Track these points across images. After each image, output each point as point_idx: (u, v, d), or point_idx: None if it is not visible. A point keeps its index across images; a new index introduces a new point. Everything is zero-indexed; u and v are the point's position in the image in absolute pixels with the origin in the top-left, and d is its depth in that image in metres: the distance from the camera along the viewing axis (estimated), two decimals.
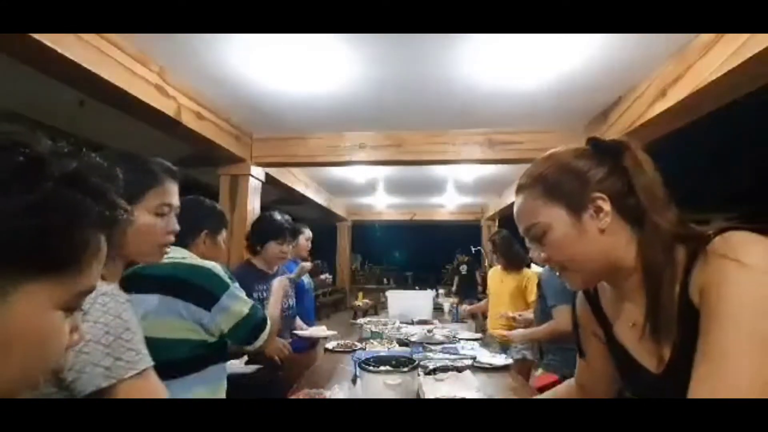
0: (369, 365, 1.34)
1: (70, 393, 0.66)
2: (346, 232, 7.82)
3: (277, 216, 2.17)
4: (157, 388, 0.76)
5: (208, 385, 1.19)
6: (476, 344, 2.56)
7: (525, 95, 2.39)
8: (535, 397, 1.09)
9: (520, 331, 2.48)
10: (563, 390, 1.00)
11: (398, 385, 1.27)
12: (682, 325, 0.60)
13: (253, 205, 3.24)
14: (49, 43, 1.45)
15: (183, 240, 1.18)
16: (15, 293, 0.36)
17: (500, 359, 2.21)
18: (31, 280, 0.37)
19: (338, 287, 8.25)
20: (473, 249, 7.05)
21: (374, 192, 5.70)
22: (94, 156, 0.43)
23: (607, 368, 0.85)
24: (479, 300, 5.22)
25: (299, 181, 4.40)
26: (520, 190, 0.75)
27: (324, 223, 6.69)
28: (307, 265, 2.73)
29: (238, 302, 1.25)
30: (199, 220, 1.41)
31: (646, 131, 2.21)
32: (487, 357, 2.25)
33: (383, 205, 6.91)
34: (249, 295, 1.93)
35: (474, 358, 2.17)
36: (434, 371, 1.91)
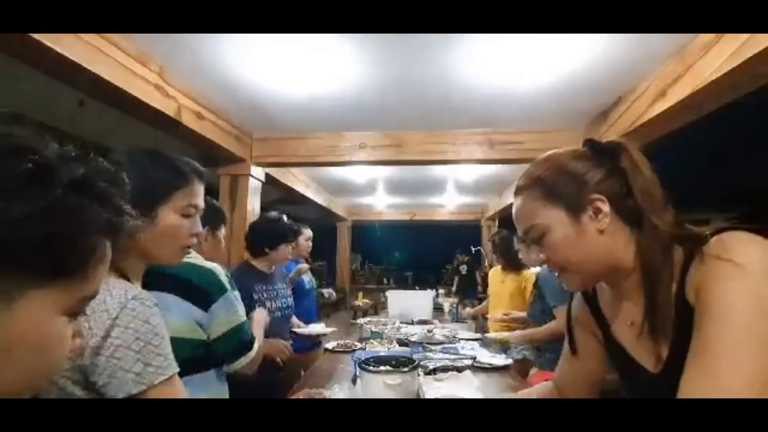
0: (369, 365, 1.34)
1: (99, 397, 0.67)
2: (346, 232, 7.82)
3: (283, 217, 2.21)
4: (183, 394, 0.76)
5: (209, 390, 1.19)
6: (476, 344, 2.57)
7: (525, 95, 2.39)
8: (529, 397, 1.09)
9: (519, 332, 2.48)
10: (541, 390, 1.00)
11: (398, 385, 1.27)
12: (679, 324, 0.60)
13: (253, 205, 3.24)
14: (49, 43, 1.45)
15: None
16: (21, 299, 0.36)
17: (500, 359, 2.21)
18: (37, 285, 0.37)
19: (338, 287, 8.25)
20: (473, 249, 7.05)
21: (374, 192, 5.70)
22: (101, 160, 0.43)
23: (597, 368, 0.87)
24: (479, 300, 5.22)
25: (299, 181, 4.40)
26: (518, 191, 0.75)
27: (324, 223, 6.68)
28: (304, 266, 2.74)
29: (232, 309, 1.23)
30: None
31: (646, 131, 2.21)
32: (487, 357, 2.25)
33: (383, 205, 6.91)
34: (249, 295, 1.95)
35: (474, 358, 2.17)
36: (434, 371, 1.91)
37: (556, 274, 0.74)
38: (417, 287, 8.43)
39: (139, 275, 0.87)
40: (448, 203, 6.53)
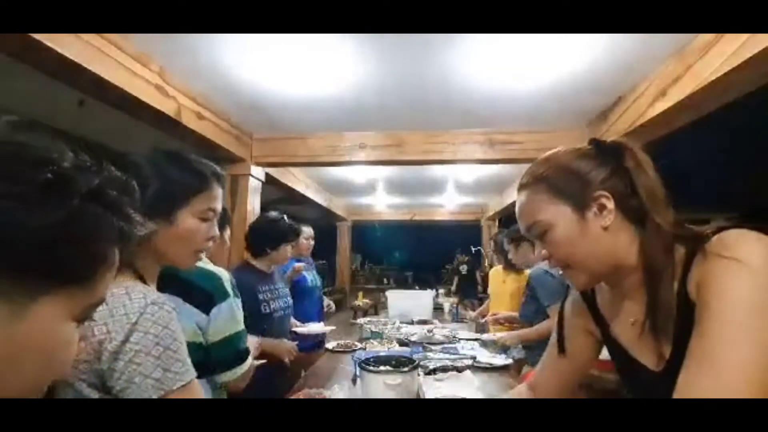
0: (369, 365, 1.34)
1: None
2: (346, 232, 7.82)
3: (284, 217, 2.22)
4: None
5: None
6: (476, 344, 2.57)
7: (525, 95, 2.39)
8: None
9: (514, 332, 2.48)
10: (518, 392, 1.00)
11: (398, 385, 1.27)
12: (681, 322, 0.60)
13: (253, 205, 3.24)
14: (49, 43, 1.45)
15: None
16: (32, 305, 0.37)
17: (500, 359, 2.21)
18: (49, 292, 0.38)
19: (338, 287, 8.24)
20: (473, 249, 7.05)
21: (374, 192, 5.70)
22: (113, 169, 0.44)
23: (582, 369, 0.87)
24: (480, 300, 5.22)
25: (299, 181, 4.40)
26: (522, 188, 0.75)
27: (324, 223, 6.68)
28: (299, 265, 2.75)
29: (231, 317, 1.22)
30: None
31: (646, 131, 2.21)
32: (487, 357, 2.25)
33: (383, 205, 6.91)
34: (254, 296, 1.96)
35: (474, 358, 2.17)
36: (434, 371, 1.91)
37: (560, 271, 0.74)
38: (417, 287, 8.43)
39: (155, 277, 0.86)
40: (448, 203, 6.53)
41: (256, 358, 1.55)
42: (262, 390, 1.45)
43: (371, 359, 1.41)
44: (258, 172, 3.27)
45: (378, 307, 6.90)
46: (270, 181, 3.57)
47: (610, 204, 0.67)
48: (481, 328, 3.02)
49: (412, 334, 2.73)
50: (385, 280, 11.50)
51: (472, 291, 6.72)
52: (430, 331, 2.85)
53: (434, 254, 11.82)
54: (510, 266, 2.93)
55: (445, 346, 2.49)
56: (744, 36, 1.46)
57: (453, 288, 7.19)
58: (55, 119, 2.98)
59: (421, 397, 1.51)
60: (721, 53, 1.58)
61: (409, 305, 3.71)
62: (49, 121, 2.94)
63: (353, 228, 8.03)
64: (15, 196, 0.35)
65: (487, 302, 3.46)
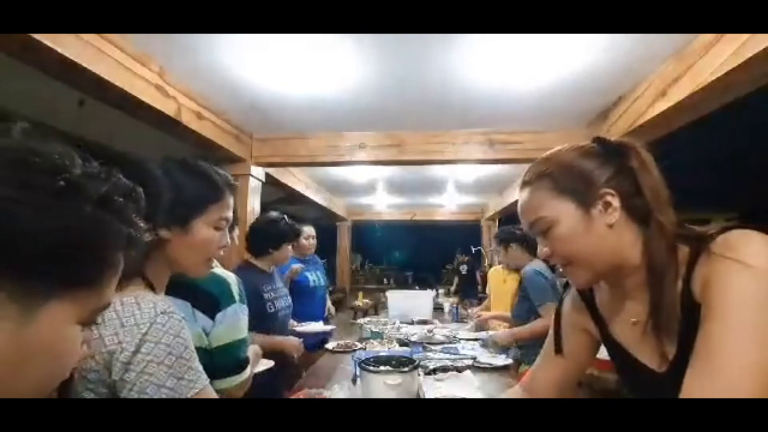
0: (369, 365, 1.34)
1: None
2: (346, 232, 7.81)
3: (284, 217, 2.24)
4: None
5: None
6: (476, 344, 2.56)
7: (525, 95, 2.39)
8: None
9: (507, 330, 2.48)
10: (516, 392, 1.00)
11: (398, 385, 1.27)
12: (685, 322, 0.60)
13: (253, 205, 3.24)
14: (49, 43, 1.45)
15: None
16: (42, 309, 0.37)
17: (500, 359, 2.21)
18: (58, 296, 0.39)
19: (338, 287, 8.24)
20: (473, 249, 7.04)
21: (374, 192, 5.70)
22: (120, 176, 0.45)
23: (579, 368, 0.88)
24: (479, 300, 5.22)
25: (299, 181, 4.40)
26: (525, 185, 0.75)
27: (324, 223, 6.67)
28: (297, 267, 2.76)
29: (236, 323, 1.19)
30: None
31: (646, 131, 2.21)
32: (487, 357, 2.25)
33: (383, 205, 6.90)
34: (259, 295, 1.96)
35: (474, 358, 2.17)
36: (434, 371, 1.91)
37: (560, 269, 0.74)
38: (417, 287, 8.43)
39: (164, 285, 0.87)
40: (448, 203, 6.52)
41: (265, 356, 1.55)
42: (263, 389, 1.45)
43: (371, 359, 1.41)
44: (258, 172, 3.27)
45: (378, 307, 6.89)
46: (270, 181, 3.57)
47: (616, 202, 0.67)
48: (480, 328, 3.02)
49: (412, 334, 2.73)
50: (385, 280, 11.49)
51: (472, 291, 6.71)
52: (430, 331, 2.85)
53: (434, 254, 11.82)
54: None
55: (445, 346, 2.49)
56: (744, 36, 1.46)
57: (453, 288, 7.18)
58: (55, 119, 2.98)
59: (421, 397, 1.51)
60: (721, 53, 1.58)
61: (409, 305, 3.71)
62: (49, 121, 2.93)
63: (353, 228, 8.02)
64: (28, 202, 0.36)
65: (486, 302, 3.46)
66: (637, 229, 0.68)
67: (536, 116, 2.72)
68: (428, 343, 2.51)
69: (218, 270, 1.24)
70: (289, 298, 2.27)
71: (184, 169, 0.89)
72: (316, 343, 2.64)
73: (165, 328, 0.69)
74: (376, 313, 6.07)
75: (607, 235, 0.68)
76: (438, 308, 4.33)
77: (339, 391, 1.61)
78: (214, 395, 0.76)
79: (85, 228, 0.39)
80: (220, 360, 1.15)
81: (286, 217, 2.27)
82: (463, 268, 7.21)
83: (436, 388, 1.67)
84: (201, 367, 0.73)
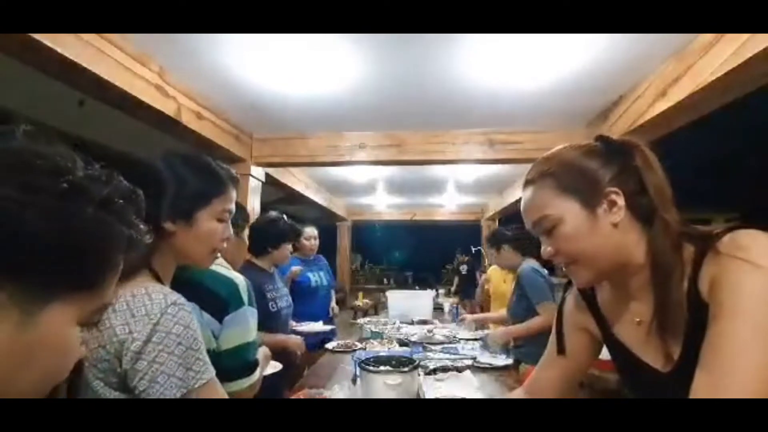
0: (369, 365, 1.34)
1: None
2: (346, 232, 7.81)
3: (284, 217, 2.24)
4: (223, 396, 0.78)
5: None
6: (476, 344, 2.56)
7: (525, 95, 2.39)
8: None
9: (502, 329, 2.48)
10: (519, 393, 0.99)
11: (398, 385, 1.27)
12: (692, 320, 0.60)
13: (253, 205, 3.24)
14: (49, 43, 1.45)
15: None
16: (43, 311, 0.38)
17: (500, 359, 2.21)
18: (59, 298, 0.39)
19: (338, 287, 8.25)
20: (473, 249, 7.05)
21: (374, 192, 5.69)
22: (120, 178, 0.46)
23: (582, 368, 0.87)
24: (481, 306, 5.22)
25: (299, 181, 4.40)
26: (528, 184, 0.75)
27: (324, 223, 6.67)
28: (296, 268, 2.77)
29: (245, 325, 1.18)
30: None
31: (646, 131, 2.21)
32: (487, 357, 2.25)
33: (383, 205, 6.90)
34: (263, 294, 1.97)
35: (474, 359, 2.17)
36: (434, 371, 1.91)
37: (563, 268, 0.74)
38: (417, 287, 8.43)
39: (170, 277, 0.89)
40: (448, 203, 6.52)
41: (273, 357, 1.54)
42: (264, 388, 1.45)
43: (371, 359, 1.41)
44: (258, 172, 3.27)
45: (378, 307, 6.89)
46: (270, 181, 3.57)
47: (621, 201, 0.67)
48: (479, 327, 3.02)
49: (412, 334, 2.73)
50: (385, 280, 11.50)
51: (472, 291, 6.71)
52: (430, 331, 2.85)
53: (434, 254, 11.83)
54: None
55: (445, 346, 2.49)
56: (744, 36, 1.46)
57: (453, 288, 7.18)
58: (55, 119, 2.98)
59: (421, 397, 1.51)
60: (721, 53, 1.58)
61: (409, 305, 3.71)
62: (49, 121, 2.94)
63: (353, 228, 8.02)
64: (31, 204, 0.36)
65: (480, 297, 3.45)
66: (641, 228, 0.68)
67: (536, 116, 2.72)
68: (428, 343, 2.51)
69: (226, 271, 1.23)
70: (290, 298, 2.27)
71: (187, 163, 0.90)
72: (316, 343, 2.64)
73: (175, 318, 0.70)
74: (376, 313, 6.07)
75: (611, 234, 0.68)
76: (438, 308, 4.33)
77: (339, 391, 1.61)
78: (220, 387, 0.77)
79: (87, 230, 0.40)
80: (229, 363, 1.13)
81: (285, 216, 2.27)
82: (463, 268, 7.21)
83: (436, 388, 1.67)
84: (208, 359, 0.74)
